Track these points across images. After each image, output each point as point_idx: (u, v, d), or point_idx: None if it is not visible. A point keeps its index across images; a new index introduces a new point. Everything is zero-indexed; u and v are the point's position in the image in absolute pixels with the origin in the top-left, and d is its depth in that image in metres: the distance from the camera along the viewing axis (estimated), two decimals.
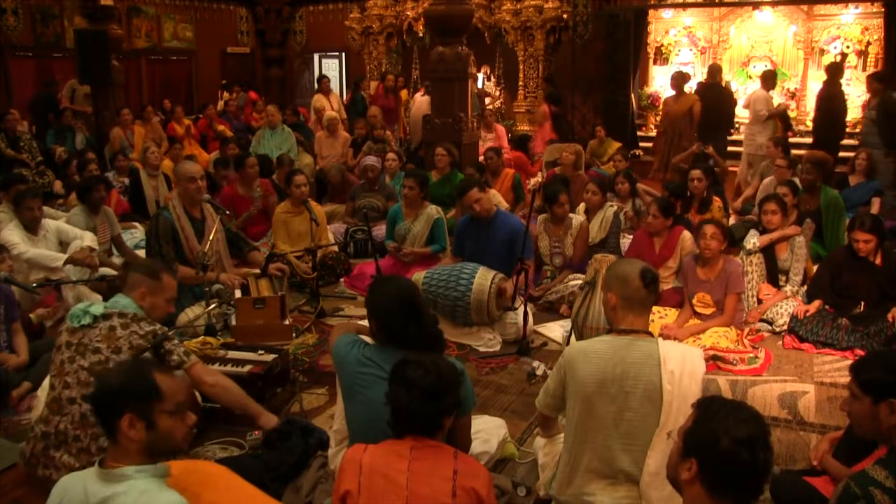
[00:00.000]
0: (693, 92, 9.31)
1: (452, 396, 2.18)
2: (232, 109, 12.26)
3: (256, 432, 3.22)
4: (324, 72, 16.34)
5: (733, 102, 9.72)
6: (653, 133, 11.31)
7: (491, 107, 11.61)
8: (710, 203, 6.09)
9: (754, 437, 1.72)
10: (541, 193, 5.72)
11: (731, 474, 1.72)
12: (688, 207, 5.95)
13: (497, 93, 12.45)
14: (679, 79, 8.90)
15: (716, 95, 9.02)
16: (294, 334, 4.54)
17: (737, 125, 10.14)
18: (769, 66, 11.44)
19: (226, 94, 13.43)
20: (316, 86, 16.27)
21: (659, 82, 12.08)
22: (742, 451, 1.70)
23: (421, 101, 10.62)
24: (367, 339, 2.69)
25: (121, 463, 1.93)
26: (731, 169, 8.88)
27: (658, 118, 11.62)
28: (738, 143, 9.86)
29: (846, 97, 9.22)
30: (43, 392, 3.27)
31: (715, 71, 9.52)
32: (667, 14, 11.83)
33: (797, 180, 5.96)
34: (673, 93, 9.21)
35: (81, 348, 2.93)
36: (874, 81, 8.14)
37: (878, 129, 7.48)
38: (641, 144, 11.10)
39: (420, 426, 2.14)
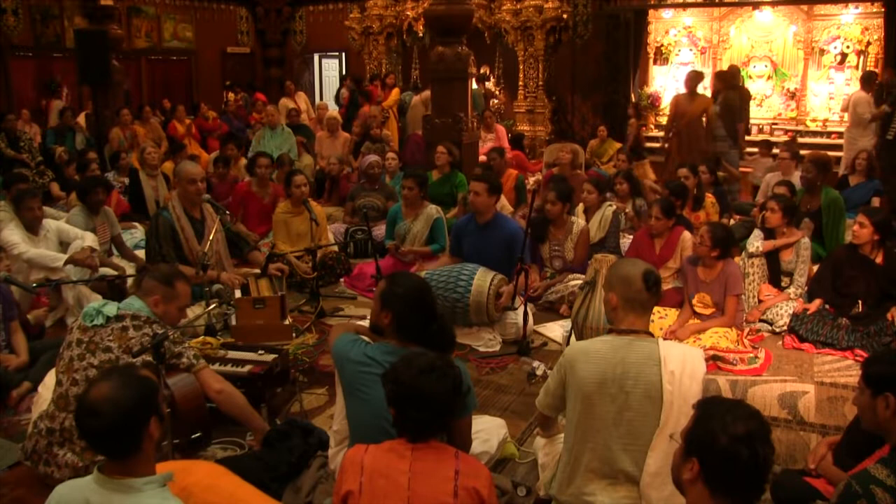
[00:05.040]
0: (712, 93, 9.21)
1: (461, 402, 2.22)
2: (232, 109, 12.28)
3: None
4: (324, 72, 16.39)
5: (749, 104, 9.68)
6: (653, 133, 11.32)
7: (493, 107, 11.62)
8: (703, 200, 6.16)
9: (753, 433, 1.72)
10: (540, 193, 5.71)
11: (731, 472, 1.73)
12: (682, 205, 5.97)
13: (497, 92, 12.46)
14: (694, 78, 8.56)
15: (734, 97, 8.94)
16: (294, 334, 4.54)
17: (758, 125, 10.22)
18: (768, 67, 11.45)
19: (230, 95, 13.45)
20: (317, 85, 16.25)
21: (659, 82, 12.08)
22: (741, 448, 1.70)
23: (416, 102, 10.63)
24: (367, 338, 2.69)
25: (131, 474, 1.85)
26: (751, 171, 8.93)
27: (658, 118, 11.66)
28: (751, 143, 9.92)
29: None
30: (45, 389, 3.27)
31: (734, 72, 9.40)
32: (667, 14, 11.83)
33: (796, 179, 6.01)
34: (684, 91, 8.76)
35: (92, 346, 2.96)
36: (718, 81, 8.79)
37: (721, 123, 8.37)
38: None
39: (428, 434, 2.14)
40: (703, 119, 8.40)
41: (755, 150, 9.24)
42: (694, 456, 1.77)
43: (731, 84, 8.69)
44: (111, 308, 3.03)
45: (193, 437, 3.06)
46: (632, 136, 10.35)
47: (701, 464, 1.76)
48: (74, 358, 2.97)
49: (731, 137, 8.40)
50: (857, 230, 4.61)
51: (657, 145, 10.10)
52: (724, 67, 10.62)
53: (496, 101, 12.13)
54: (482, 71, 12.27)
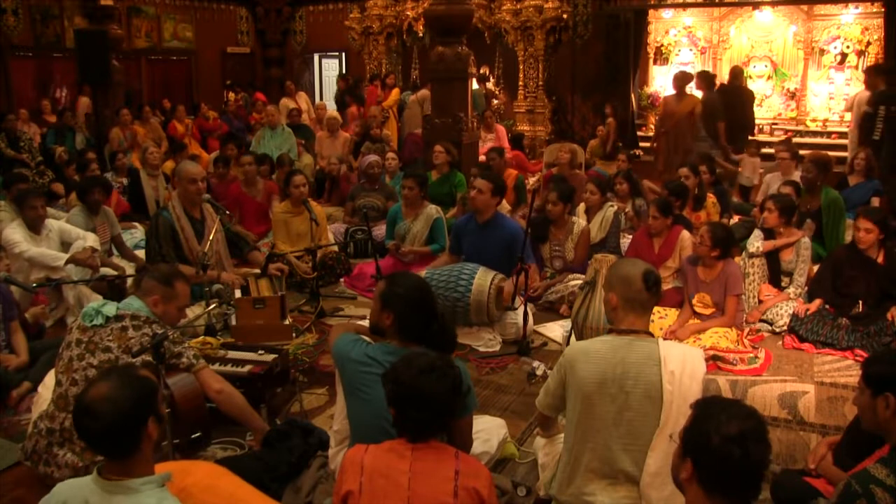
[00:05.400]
0: (716, 92, 9.25)
1: (460, 402, 2.22)
2: (233, 109, 12.27)
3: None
4: (324, 72, 16.40)
5: (753, 104, 9.71)
6: (653, 133, 11.34)
7: (493, 107, 11.61)
8: (704, 200, 6.15)
9: (746, 433, 1.72)
10: (540, 193, 5.71)
11: (724, 472, 1.72)
12: (683, 205, 5.97)
13: (497, 92, 12.46)
14: (682, 79, 8.70)
15: (738, 97, 8.97)
16: (294, 334, 4.54)
17: (758, 125, 10.22)
18: (768, 67, 11.45)
19: (230, 95, 13.44)
20: (317, 85, 16.22)
21: (659, 82, 12.09)
22: (733, 448, 1.70)
23: (412, 101, 10.62)
24: (367, 338, 2.69)
25: (129, 475, 1.84)
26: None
27: (657, 118, 11.69)
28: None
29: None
30: (44, 389, 3.28)
31: (737, 73, 9.45)
32: (667, 14, 11.83)
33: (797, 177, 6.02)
34: (673, 92, 8.96)
35: (92, 346, 2.96)
36: (699, 81, 8.92)
37: (702, 124, 8.52)
38: (641, 144, 11.11)
39: (429, 434, 2.14)
40: (692, 119, 8.50)
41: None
42: (689, 456, 1.77)
43: (711, 85, 8.80)
44: (110, 308, 3.03)
45: (193, 437, 3.06)
46: (610, 138, 10.33)
47: (694, 464, 1.76)
48: (74, 358, 2.97)
49: (712, 138, 8.47)
50: (864, 236, 4.55)
51: (648, 145, 10.17)
52: (725, 67, 10.67)
53: (496, 101, 12.13)
54: (482, 71, 12.27)
